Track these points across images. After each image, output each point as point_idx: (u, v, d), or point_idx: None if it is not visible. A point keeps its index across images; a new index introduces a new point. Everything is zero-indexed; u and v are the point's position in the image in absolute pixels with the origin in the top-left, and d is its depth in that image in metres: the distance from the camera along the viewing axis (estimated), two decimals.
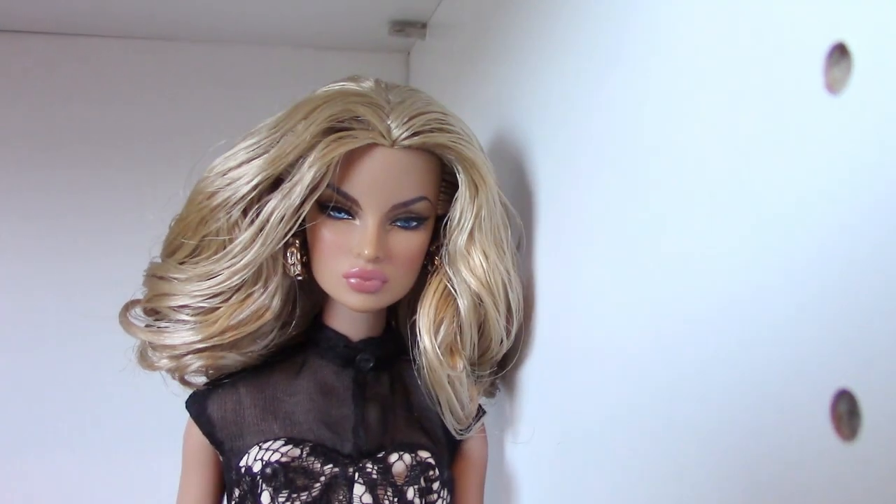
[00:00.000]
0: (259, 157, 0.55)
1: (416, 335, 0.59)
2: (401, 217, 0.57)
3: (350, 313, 0.60)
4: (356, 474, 0.57)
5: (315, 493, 0.56)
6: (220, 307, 0.57)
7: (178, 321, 0.58)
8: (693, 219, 0.38)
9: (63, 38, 1.02)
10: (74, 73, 1.02)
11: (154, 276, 0.59)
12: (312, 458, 0.57)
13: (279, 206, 0.54)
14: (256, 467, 0.57)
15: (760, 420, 0.33)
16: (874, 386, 0.27)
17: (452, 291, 0.59)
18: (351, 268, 0.56)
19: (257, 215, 0.55)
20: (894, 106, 0.25)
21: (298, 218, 0.55)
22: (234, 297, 0.57)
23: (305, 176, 0.53)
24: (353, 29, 1.01)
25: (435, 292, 0.59)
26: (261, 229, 0.55)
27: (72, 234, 1.01)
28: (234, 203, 0.55)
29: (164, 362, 0.59)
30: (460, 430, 0.61)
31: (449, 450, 0.62)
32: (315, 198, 0.55)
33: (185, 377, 0.61)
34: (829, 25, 0.28)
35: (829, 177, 0.28)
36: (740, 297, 0.34)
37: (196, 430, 0.60)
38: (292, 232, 0.56)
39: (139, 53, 1.03)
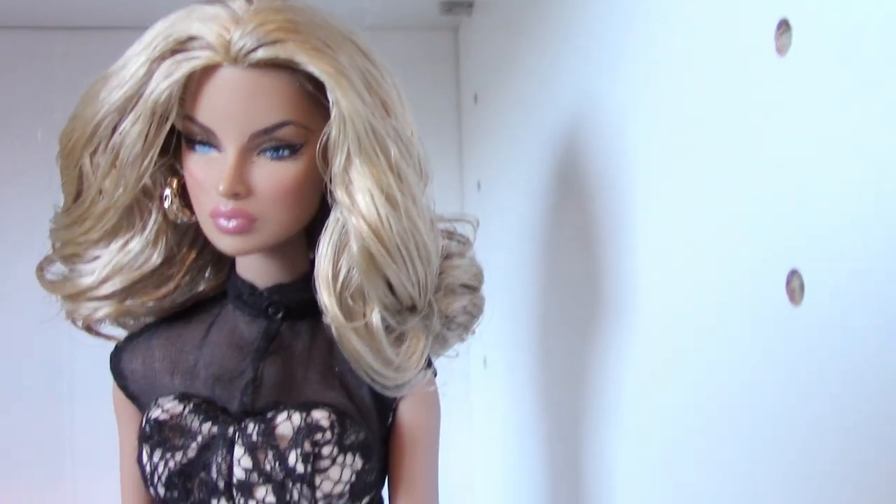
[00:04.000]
0: (101, 91, 0.51)
1: (317, 287, 0.53)
2: (267, 146, 0.51)
3: (253, 258, 0.56)
4: (236, 434, 0.53)
5: (191, 453, 0.53)
6: (101, 254, 0.55)
7: (75, 269, 0.57)
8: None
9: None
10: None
11: (53, 228, 0.57)
12: (193, 416, 0.54)
13: (127, 141, 0.50)
14: (143, 424, 0.55)
15: None
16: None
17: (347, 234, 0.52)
18: (215, 206, 0.51)
19: (109, 154, 0.51)
20: (824, 66, 0.36)
21: (152, 153, 0.51)
22: (113, 243, 0.55)
23: (147, 105, 0.49)
24: (404, 9, 1.11)
25: (331, 235, 0.52)
26: (113, 167, 0.52)
27: None
28: (86, 142, 0.52)
29: (78, 313, 0.57)
30: (393, 388, 0.55)
31: (379, 411, 0.57)
32: (166, 130, 0.51)
33: (94, 327, 0.59)
34: (777, 6, 0.39)
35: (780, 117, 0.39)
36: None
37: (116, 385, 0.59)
38: (148, 168, 0.52)
39: None
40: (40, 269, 0.59)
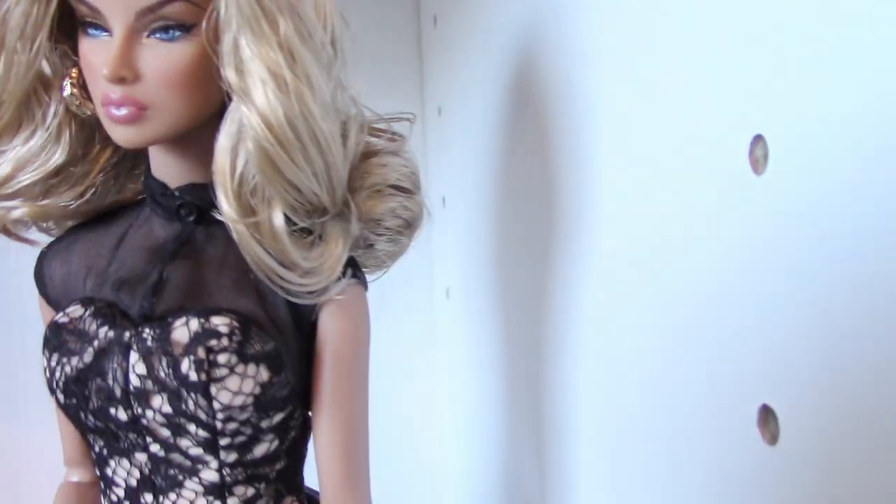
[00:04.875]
0: None
1: (214, 186, 0.49)
2: (156, 27, 0.47)
3: (162, 156, 0.52)
4: (132, 339, 0.50)
5: (87, 358, 0.50)
6: (5, 149, 0.52)
7: None
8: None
9: None
10: None
11: None
12: (91, 320, 0.51)
13: (11, 24, 0.48)
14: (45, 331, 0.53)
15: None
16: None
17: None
18: (105, 93, 0.48)
19: None
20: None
21: (40, 36, 0.48)
22: (15, 139, 0.52)
23: None
24: None
25: (230, 123, 0.48)
26: (1, 53, 0.49)
27: None
28: None
29: None
30: (298, 295, 0.51)
31: (297, 322, 0.52)
32: (51, 9, 0.48)
33: (12, 229, 0.56)
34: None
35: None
36: None
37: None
38: (38, 53, 0.49)
39: None
40: None
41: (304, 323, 0.52)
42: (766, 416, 0.39)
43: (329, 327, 0.53)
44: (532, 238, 0.70)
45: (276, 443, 0.53)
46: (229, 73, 0.46)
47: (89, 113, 0.51)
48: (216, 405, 0.49)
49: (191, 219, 0.53)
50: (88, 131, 0.54)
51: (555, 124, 0.63)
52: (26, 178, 0.52)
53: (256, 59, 0.45)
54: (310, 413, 0.55)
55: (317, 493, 0.56)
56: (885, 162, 0.32)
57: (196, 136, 0.51)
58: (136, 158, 0.56)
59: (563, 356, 0.64)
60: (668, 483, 0.49)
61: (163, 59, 0.47)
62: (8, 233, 0.56)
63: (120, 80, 0.47)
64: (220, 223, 0.50)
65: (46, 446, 1.06)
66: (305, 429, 0.56)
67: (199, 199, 0.52)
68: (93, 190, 0.55)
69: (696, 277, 0.45)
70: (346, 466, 0.54)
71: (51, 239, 0.58)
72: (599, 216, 0.56)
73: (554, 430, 0.69)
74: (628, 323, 0.53)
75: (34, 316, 1.05)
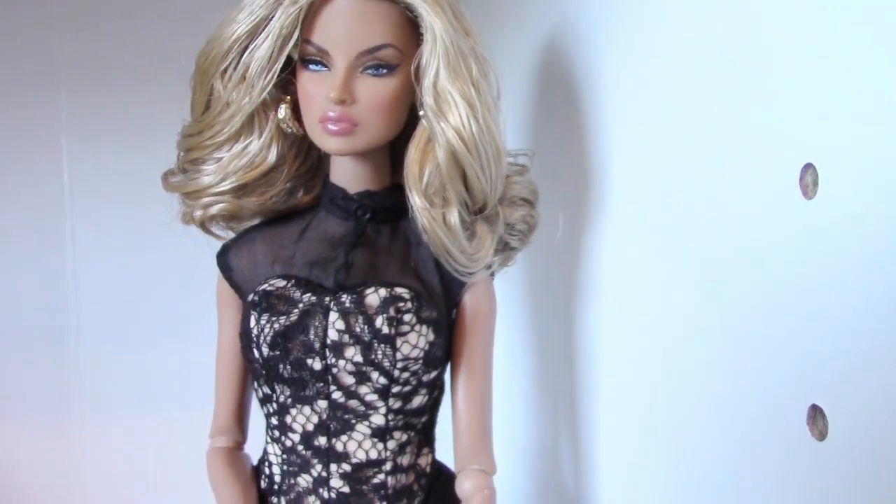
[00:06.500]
0: (239, 14, 0.63)
1: (406, 188, 0.65)
2: (369, 65, 0.63)
3: (347, 166, 0.67)
4: (332, 303, 0.64)
5: (293, 317, 0.64)
6: (224, 156, 0.66)
7: (197, 171, 0.68)
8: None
9: None
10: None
11: (182, 136, 0.69)
12: (294, 289, 0.65)
13: (255, 57, 0.63)
14: (250, 298, 0.66)
15: None
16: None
17: (433, 140, 0.64)
18: (325, 112, 0.63)
19: (240, 68, 0.64)
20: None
21: (275, 68, 0.63)
22: (235, 147, 0.66)
23: (275, 26, 0.62)
24: None
25: (418, 143, 0.65)
26: (243, 79, 0.64)
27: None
28: (222, 57, 0.64)
29: (196, 211, 0.68)
30: (466, 273, 0.66)
31: (446, 301, 0.67)
32: (287, 49, 0.63)
33: (210, 226, 0.70)
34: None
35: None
36: None
37: (222, 277, 0.70)
38: (271, 81, 0.64)
39: None
40: (165, 177, 0.70)
41: (451, 300, 0.68)
42: (815, 415, 0.41)
43: (472, 303, 0.68)
44: (586, 254, 0.72)
45: (426, 397, 0.67)
46: (428, 100, 0.62)
47: (294, 131, 0.67)
48: (398, 355, 0.63)
49: (366, 217, 0.68)
50: (289, 145, 0.68)
51: (608, 151, 0.68)
52: (238, 179, 0.67)
53: (454, 90, 0.62)
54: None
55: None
56: None
57: (373, 153, 0.67)
58: (313, 172, 0.71)
59: (616, 364, 0.67)
60: (722, 479, 0.51)
61: (373, 89, 0.63)
62: (205, 228, 0.70)
63: (341, 102, 0.62)
64: (385, 223, 0.68)
65: (97, 445, 1.09)
66: (442, 391, 0.70)
67: (373, 202, 0.68)
68: (282, 193, 0.69)
69: (751, 290, 0.48)
70: (482, 420, 0.68)
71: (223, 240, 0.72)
72: (659, 237, 0.61)
73: (600, 430, 0.71)
74: (689, 334, 0.57)
75: (88, 325, 1.08)
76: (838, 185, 0.40)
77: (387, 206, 0.68)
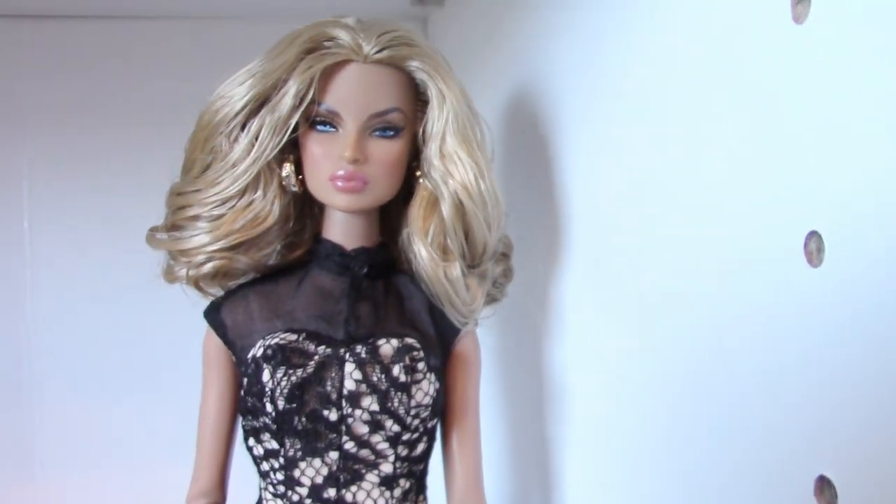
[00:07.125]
0: (251, 77, 0.65)
1: (411, 243, 0.68)
2: (378, 127, 0.65)
3: (343, 224, 0.69)
4: (347, 354, 0.65)
5: (310, 369, 0.64)
6: (226, 213, 0.66)
7: (193, 228, 0.67)
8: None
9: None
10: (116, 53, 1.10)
11: (173, 194, 0.69)
12: (308, 342, 0.66)
13: (268, 118, 0.64)
14: (259, 353, 0.65)
15: None
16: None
17: (436, 197, 0.67)
18: (336, 171, 0.65)
19: (252, 128, 0.65)
20: (840, 34, 0.37)
21: (287, 129, 0.64)
22: (238, 204, 0.66)
23: (290, 89, 0.63)
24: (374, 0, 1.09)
25: (422, 201, 0.68)
26: (255, 139, 0.65)
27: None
28: (232, 117, 0.65)
29: (183, 271, 0.68)
30: (463, 322, 0.69)
31: (441, 348, 0.70)
32: (300, 111, 0.64)
33: (202, 284, 0.70)
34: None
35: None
36: None
37: (213, 334, 0.69)
38: (282, 142, 0.65)
39: (176, 33, 1.09)
40: (151, 235, 0.70)
41: (446, 349, 0.70)
42: (823, 486, 0.40)
43: (468, 350, 0.72)
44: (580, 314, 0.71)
45: (426, 445, 0.69)
46: (435, 161, 0.66)
47: (296, 189, 0.68)
48: (412, 402, 0.65)
49: (364, 272, 0.69)
50: (287, 203, 0.69)
51: (613, 227, 0.67)
52: (237, 238, 0.67)
53: (462, 152, 0.66)
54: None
55: None
56: None
57: (369, 212, 0.69)
58: (301, 237, 0.72)
59: (622, 427, 0.65)
60: None
61: (383, 150, 0.66)
62: (198, 286, 0.70)
63: (354, 161, 0.64)
64: (378, 277, 0.70)
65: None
66: (435, 439, 0.71)
67: (369, 258, 0.69)
68: (276, 250, 0.71)
69: (756, 357, 0.46)
70: (476, 464, 0.71)
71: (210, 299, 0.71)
72: (659, 301, 0.58)
73: (569, 479, 0.69)
74: (693, 401, 0.54)
75: (47, 378, 1.04)
76: (844, 252, 0.39)
77: (380, 262, 0.70)
